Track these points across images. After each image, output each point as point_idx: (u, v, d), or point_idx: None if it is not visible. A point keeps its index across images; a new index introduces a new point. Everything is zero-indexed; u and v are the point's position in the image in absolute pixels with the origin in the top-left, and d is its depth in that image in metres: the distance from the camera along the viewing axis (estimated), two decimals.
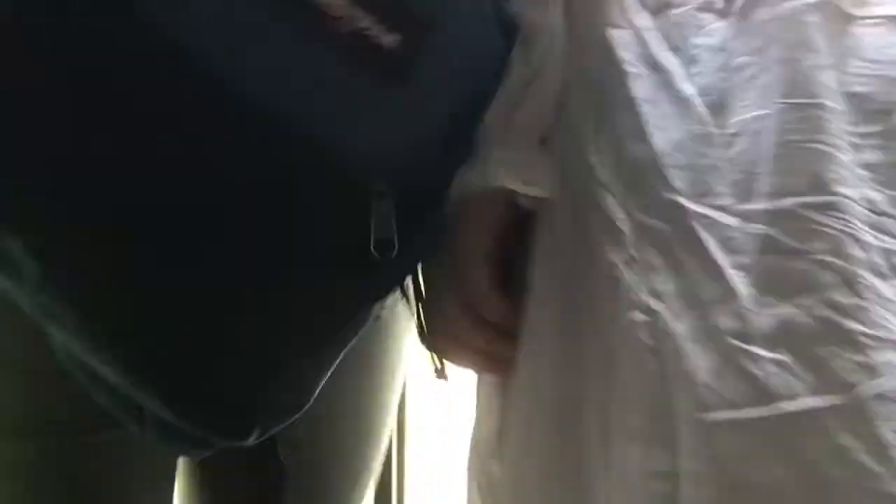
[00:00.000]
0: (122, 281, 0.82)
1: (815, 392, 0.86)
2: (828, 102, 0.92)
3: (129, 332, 0.83)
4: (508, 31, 0.94)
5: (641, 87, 0.97)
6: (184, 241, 0.81)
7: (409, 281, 1.01)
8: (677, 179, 0.94)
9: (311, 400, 0.91)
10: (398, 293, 0.99)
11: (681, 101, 0.96)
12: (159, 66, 0.77)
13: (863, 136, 0.93)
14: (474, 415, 1.11)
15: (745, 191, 0.93)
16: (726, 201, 0.93)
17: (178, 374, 0.85)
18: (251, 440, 0.91)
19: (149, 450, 1.05)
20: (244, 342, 0.85)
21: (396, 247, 0.87)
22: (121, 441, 1.03)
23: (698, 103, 0.95)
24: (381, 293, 0.93)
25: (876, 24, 0.96)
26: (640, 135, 0.96)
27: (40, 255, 0.80)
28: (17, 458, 1.07)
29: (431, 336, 1.03)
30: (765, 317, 0.90)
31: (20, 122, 0.76)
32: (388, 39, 0.83)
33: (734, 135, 0.94)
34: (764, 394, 0.88)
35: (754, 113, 0.94)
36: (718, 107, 0.95)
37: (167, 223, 0.81)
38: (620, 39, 0.98)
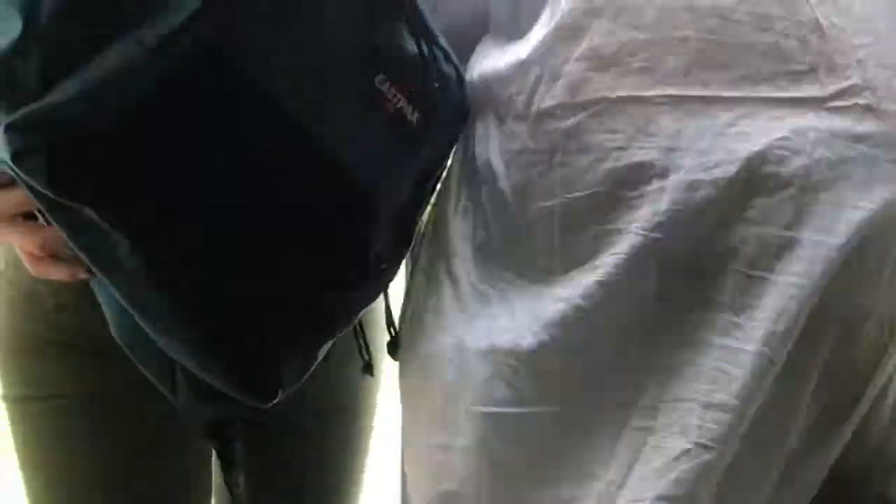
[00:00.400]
0: (201, 275, 1.10)
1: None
2: None
3: (198, 312, 1.10)
4: (465, 119, 1.29)
5: None
6: (260, 249, 1.12)
7: None
8: None
9: (311, 370, 1.20)
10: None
11: None
12: (278, 133, 1.08)
13: None
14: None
15: None
16: None
17: (225, 341, 1.12)
18: (276, 400, 1.16)
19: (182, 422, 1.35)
20: (277, 322, 1.15)
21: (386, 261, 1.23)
22: (157, 411, 1.32)
23: None
24: (374, 292, 1.26)
25: None
26: None
27: (144, 254, 1.06)
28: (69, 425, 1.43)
29: None
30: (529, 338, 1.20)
31: (174, 170, 1.05)
32: (414, 116, 1.19)
33: None
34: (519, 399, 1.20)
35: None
36: None
37: (246, 238, 1.11)
38: None
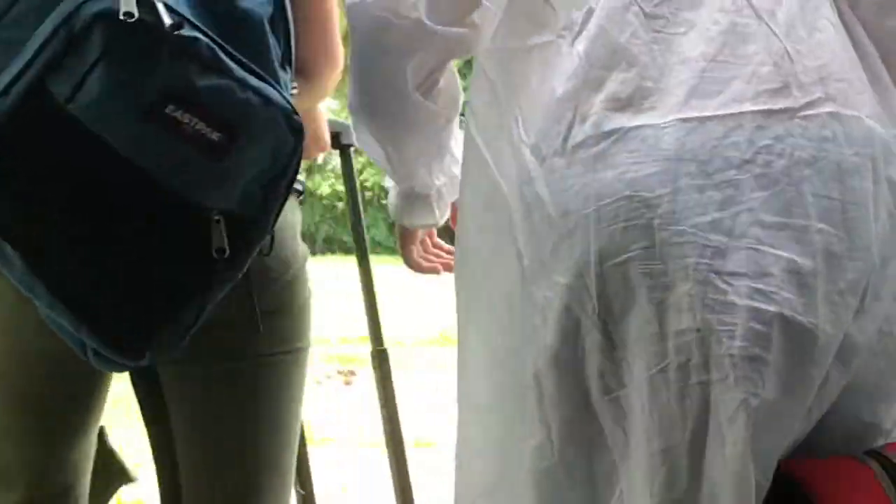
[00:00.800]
0: (72, 274, 1.61)
1: None
2: None
3: (76, 299, 1.62)
4: (297, 132, 1.67)
5: None
6: (111, 250, 1.63)
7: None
8: None
9: (184, 336, 1.69)
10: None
11: None
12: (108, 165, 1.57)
13: None
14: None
15: None
16: None
17: (99, 316, 1.65)
18: (145, 361, 1.69)
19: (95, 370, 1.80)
20: (138, 299, 1.64)
21: (228, 252, 1.65)
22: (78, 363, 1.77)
23: None
24: (221, 281, 1.69)
25: None
26: None
27: (25, 256, 1.58)
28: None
29: None
30: None
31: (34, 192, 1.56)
32: (215, 136, 1.57)
33: None
34: None
35: None
36: None
37: (102, 239, 1.61)
38: None
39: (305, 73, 2.03)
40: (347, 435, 7.68)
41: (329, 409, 8.97)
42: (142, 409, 1.94)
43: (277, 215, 1.73)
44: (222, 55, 1.59)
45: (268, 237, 1.78)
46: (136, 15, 1.46)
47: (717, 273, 1.59)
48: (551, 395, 1.70)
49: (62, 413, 1.96)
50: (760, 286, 1.58)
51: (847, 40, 1.72)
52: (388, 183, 2.29)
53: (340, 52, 2.16)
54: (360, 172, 52.21)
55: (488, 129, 1.84)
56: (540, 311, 1.71)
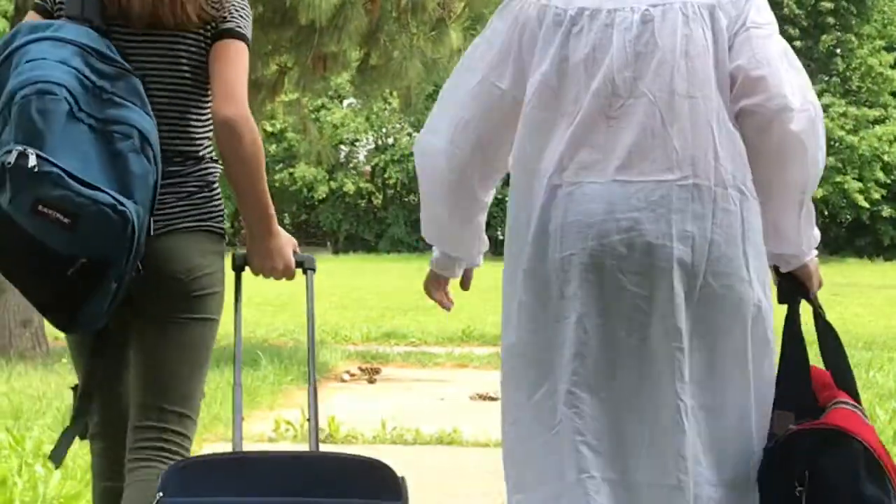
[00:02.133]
0: (24, 285, 3.12)
1: None
2: None
3: (33, 299, 3.16)
4: (120, 213, 2.93)
5: None
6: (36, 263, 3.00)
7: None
8: None
9: (99, 324, 3.13)
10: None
11: None
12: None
13: None
14: None
15: None
16: None
17: (50, 306, 3.14)
18: (79, 331, 3.25)
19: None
20: (57, 304, 3.10)
21: (80, 279, 2.99)
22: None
23: None
24: (93, 292, 3.03)
25: None
26: None
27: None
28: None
29: None
30: None
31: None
32: (66, 220, 2.88)
33: None
34: None
35: None
36: None
37: (31, 259, 2.99)
38: None
39: (250, 234, 3.40)
40: (370, 432, 7.73)
41: (353, 408, 9.00)
42: (93, 350, 3.29)
43: (130, 258, 3.01)
44: (66, 178, 2.88)
45: (129, 271, 3.05)
46: (12, 164, 2.85)
47: (621, 271, 2.93)
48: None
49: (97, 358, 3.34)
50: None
51: (719, 155, 2.96)
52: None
53: (269, 211, 3.33)
54: (384, 170, 52.57)
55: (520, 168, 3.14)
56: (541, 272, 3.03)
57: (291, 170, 46.05)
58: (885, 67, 45.74)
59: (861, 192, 44.42)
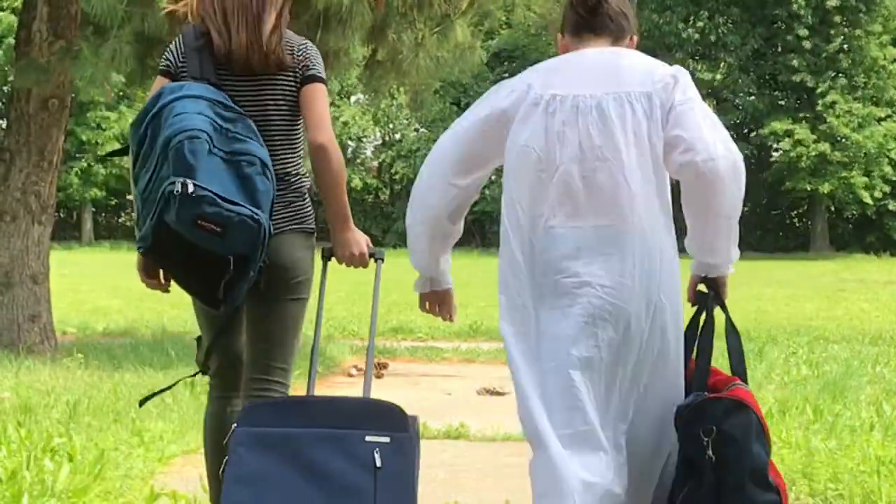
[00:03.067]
0: (186, 280, 4.27)
1: None
2: None
3: (187, 281, 4.27)
4: (258, 222, 4.01)
5: None
6: (193, 264, 4.14)
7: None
8: None
9: (240, 302, 4.24)
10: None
11: None
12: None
13: None
14: None
15: None
16: None
17: (201, 292, 4.30)
18: (221, 310, 4.25)
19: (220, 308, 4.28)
20: (207, 287, 4.19)
21: (233, 269, 4.09)
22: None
23: None
24: (239, 281, 4.13)
25: None
26: None
27: (173, 275, 4.34)
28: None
29: None
30: None
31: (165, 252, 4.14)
32: (217, 229, 3.95)
33: None
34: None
35: None
36: None
37: (193, 261, 4.10)
38: None
39: (334, 230, 4.51)
40: None
41: None
42: (218, 319, 4.39)
43: (261, 254, 4.07)
44: (217, 199, 3.90)
45: (260, 262, 4.12)
46: (179, 192, 3.85)
47: (566, 290, 3.89)
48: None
49: (224, 323, 4.41)
50: (593, 290, 3.86)
51: (643, 198, 3.90)
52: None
53: (348, 212, 4.50)
54: (391, 166, 52.58)
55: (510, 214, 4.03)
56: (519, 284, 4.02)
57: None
58: (888, 62, 45.67)
59: (867, 187, 44.36)
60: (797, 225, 51.11)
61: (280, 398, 4.38)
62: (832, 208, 47.48)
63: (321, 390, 10.18)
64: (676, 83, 3.94)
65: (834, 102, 44.24)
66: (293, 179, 4.44)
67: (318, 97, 4.35)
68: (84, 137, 43.81)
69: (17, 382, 9.04)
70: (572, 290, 3.85)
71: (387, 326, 15.25)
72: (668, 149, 3.88)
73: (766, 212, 49.86)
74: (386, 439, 3.93)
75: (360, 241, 4.49)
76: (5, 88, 41.30)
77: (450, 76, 13.95)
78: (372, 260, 4.54)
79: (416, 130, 50.31)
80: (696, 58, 45.28)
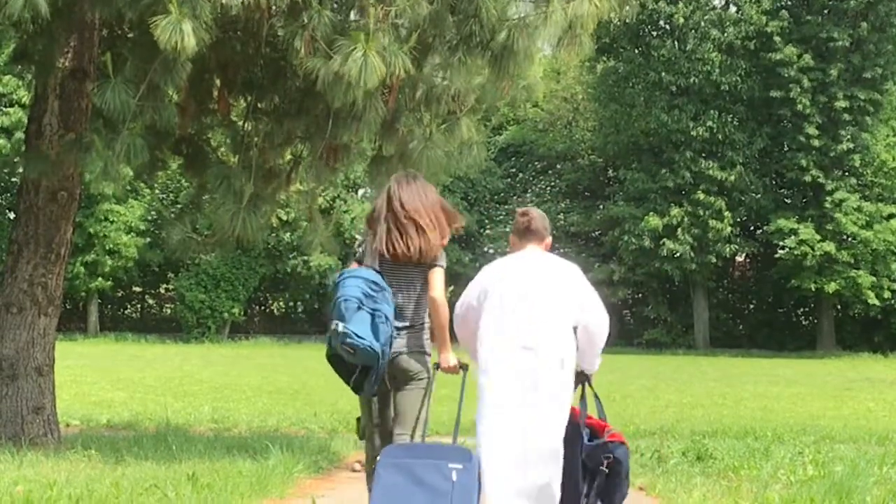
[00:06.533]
0: (347, 375, 7.25)
1: None
2: None
3: (342, 376, 7.27)
4: (374, 351, 7.00)
5: None
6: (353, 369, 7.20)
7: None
8: None
9: (372, 392, 7.31)
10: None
11: None
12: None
13: None
14: None
15: None
16: None
17: (344, 377, 7.27)
18: (367, 392, 7.26)
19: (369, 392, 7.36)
20: (350, 376, 7.22)
21: (359, 374, 7.18)
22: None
23: None
24: (369, 377, 7.14)
25: None
26: None
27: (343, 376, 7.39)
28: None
29: None
30: None
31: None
32: (352, 352, 7.06)
33: None
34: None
35: None
36: None
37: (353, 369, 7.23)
38: None
39: (437, 343, 7.44)
40: None
41: (365, 499, 8.95)
42: (379, 400, 7.43)
43: (381, 365, 7.03)
44: (354, 335, 6.90)
45: (380, 370, 7.04)
46: (339, 330, 6.93)
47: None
48: None
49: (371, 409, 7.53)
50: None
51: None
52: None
53: (447, 336, 7.36)
54: None
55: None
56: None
57: (305, 257, 46.07)
58: None
59: (873, 287, 44.30)
60: (804, 323, 51.01)
61: (407, 444, 7.18)
62: (839, 307, 47.40)
63: (324, 486, 10.14)
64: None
65: (843, 200, 44.31)
66: (420, 323, 7.44)
67: (438, 276, 7.37)
68: (92, 230, 43.94)
69: (20, 475, 9.00)
70: None
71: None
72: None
73: (772, 309, 49.80)
74: (460, 466, 6.72)
75: (452, 357, 7.38)
76: (14, 181, 41.53)
77: (458, 171, 14.04)
78: (461, 370, 7.41)
79: None
80: (704, 156, 45.47)
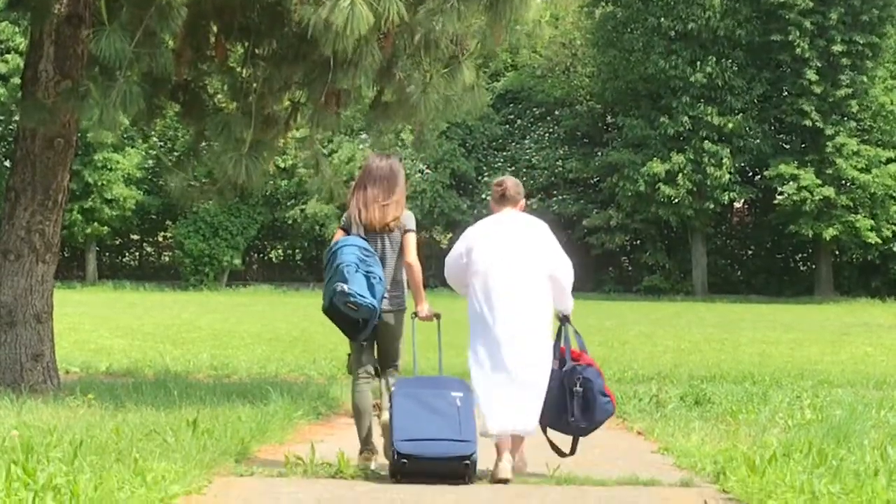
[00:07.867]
0: (347, 326, 8.64)
1: None
2: None
3: (341, 327, 8.67)
4: (372, 306, 8.46)
5: None
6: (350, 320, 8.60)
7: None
8: None
9: (367, 335, 8.69)
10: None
11: None
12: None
13: None
14: None
15: None
16: None
17: (346, 328, 8.67)
18: (361, 338, 8.65)
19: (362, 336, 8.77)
20: (352, 327, 8.62)
21: (362, 322, 8.59)
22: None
23: None
24: (366, 328, 8.58)
25: None
26: None
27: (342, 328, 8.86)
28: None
29: None
30: None
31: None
32: (355, 308, 8.42)
33: None
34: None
35: None
36: None
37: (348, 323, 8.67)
38: None
39: (415, 300, 8.80)
40: (383, 469, 7.71)
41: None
42: (361, 343, 8.65)
43: (376, 317, 8.47)
44: (356, 294, 8.26)
45: (375, 321, 8.46)
46: (339, 290, 8.30)
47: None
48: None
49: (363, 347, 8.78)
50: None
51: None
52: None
53: (422, 291, 8.84)
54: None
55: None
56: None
57: (303, 206, 45.98)
58: (895, 106, 45.70)
59: (872, 229, 44.26)
60: (802, 269, 51.05)
61: (414, 377, 8.58)
62: (836, 252, 47.38)
63: (323, 431, 10.18)
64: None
65: (843, 144, 44.18)
66: (400, 284, 8.70)
67: (411, 240, 8.66)
68: (90, 179, 43.85)
69: (20, 421, 9.02)
70: None
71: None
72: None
73: (770, 255, 49.83)
74: (461, 394, 8.17)
75: (428, 308, 8.68)
76: (11, 128, 41.38)
77: (457, 116, 14.02)
78: (434, 318, 8.74)
79: (421, 172, 50.23)
80: (703, 101, 45.30)
